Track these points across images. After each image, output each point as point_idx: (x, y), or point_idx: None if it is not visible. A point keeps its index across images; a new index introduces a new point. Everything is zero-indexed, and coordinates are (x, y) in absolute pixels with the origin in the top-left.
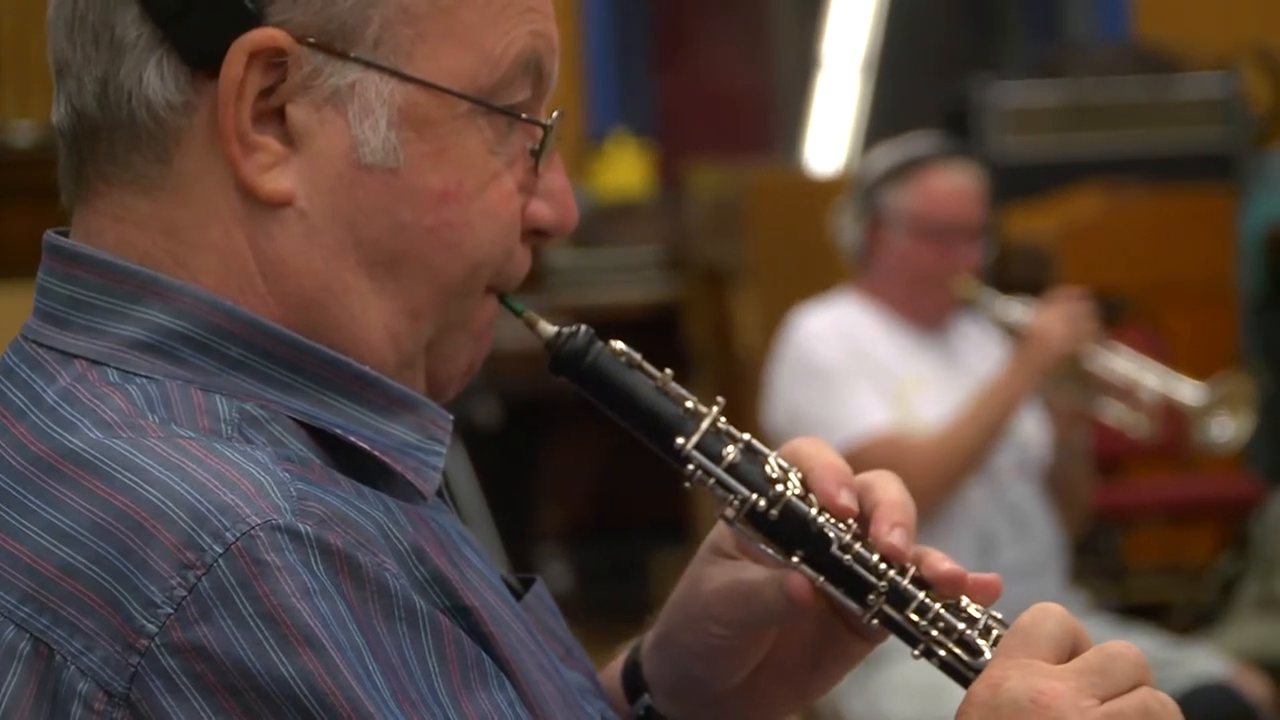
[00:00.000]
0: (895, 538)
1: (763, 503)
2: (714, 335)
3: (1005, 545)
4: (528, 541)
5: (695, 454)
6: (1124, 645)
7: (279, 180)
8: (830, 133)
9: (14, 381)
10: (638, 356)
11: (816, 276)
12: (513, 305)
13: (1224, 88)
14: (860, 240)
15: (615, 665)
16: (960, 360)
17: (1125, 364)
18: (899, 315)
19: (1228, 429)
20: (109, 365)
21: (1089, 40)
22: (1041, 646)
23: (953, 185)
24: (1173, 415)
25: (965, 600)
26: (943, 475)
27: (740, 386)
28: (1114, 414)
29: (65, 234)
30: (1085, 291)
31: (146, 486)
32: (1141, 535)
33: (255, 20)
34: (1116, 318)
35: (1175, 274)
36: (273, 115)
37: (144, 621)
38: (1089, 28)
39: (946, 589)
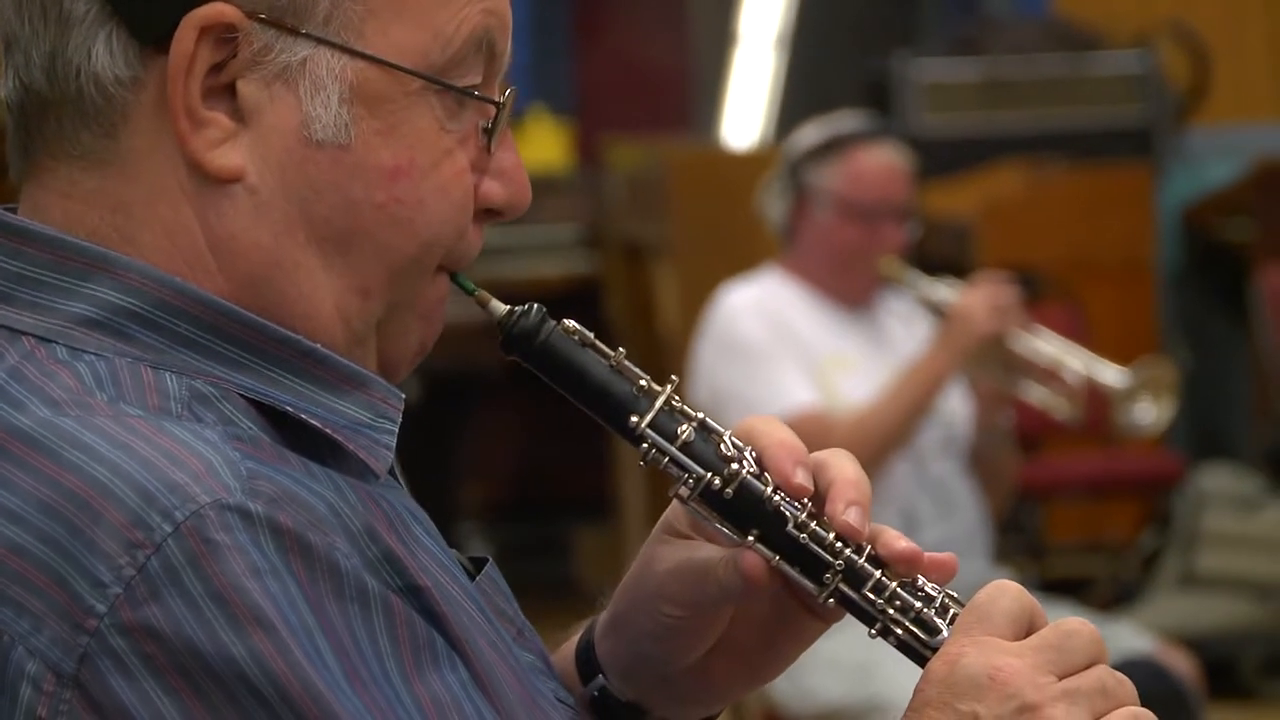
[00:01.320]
0: (851, 516)
1: (717, 481)
2: (634, 312)
3: (929, 523)
4: (449, 519)
5: (649, 433)
6: (1079, 622)
7: (228, 156)
8: (748, 108)
9: None
10: (590, 335)
11: (736, 253)
12: (464, 284)
13: (1142, 65)
14: (786, 218)
15: (568, 646)
16: (885, 339)
17: (1049, 346)
18: (824, 293)
19: (1150, 414)
20: (57, 342)
21: (1007, 17)
22: (998, 624)
23: (879, 164)
24: (1094, 394)
25: (921, 579)
26: (866, 453)
27: (661, 363)
28: (1037, 395)
29: (13, 210)
30: (1008, 272)
31: (95, 465)
32: (1062, 511)
33: None
34: (1035, 295)
35: (1094, 251)
36: (222, 91)
37: (92, 601)
38: (1007, 4)
39: (902, 567)
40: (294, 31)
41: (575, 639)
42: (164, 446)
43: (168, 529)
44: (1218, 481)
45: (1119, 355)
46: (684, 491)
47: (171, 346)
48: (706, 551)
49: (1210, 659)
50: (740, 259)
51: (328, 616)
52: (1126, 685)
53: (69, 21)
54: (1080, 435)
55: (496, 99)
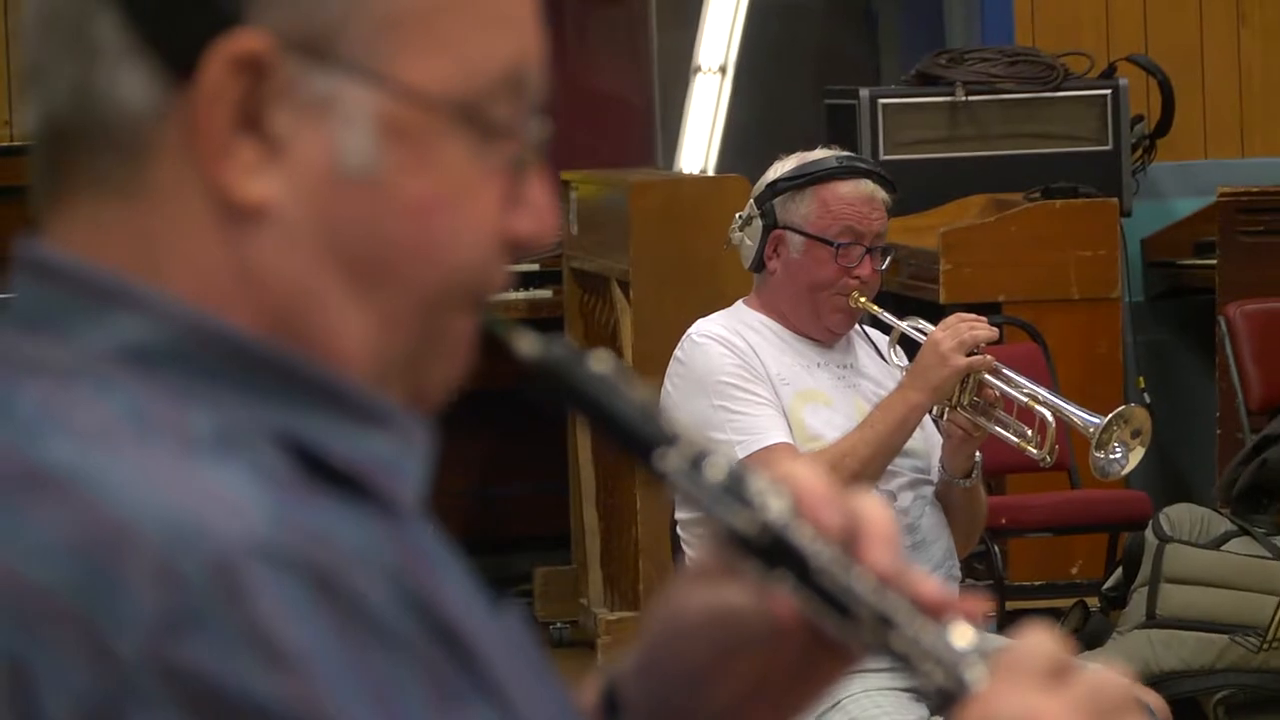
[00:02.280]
0: (883, 560)
1: (750, 523)
2: (595, 342)
3: None
4: None
5: (681, 473)
6: (1112, 672)
7: (256, 187)
8: (709, 141)
9: None
10: (619, 371)
11: (697, 283)
12: (492, 320)
13: (1107, 98)
14: (757, 252)
15: (587, 695)
16: (857, 375)
17: (1022, 385)
18: (795, 328)
19: (1123, 459)
20: (82, 376)
21: (971, 49)
22: (1032, 670)
23: (852, 197)
24: (1059, 430)
25: (951, 622)
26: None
27: None
28: (1008, 434)
29: (37, 241)
30: (970, 304)
31: (123, 503)
32: (1024, 549)
33: (234, 24)
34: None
35: (1058, 284)
36: (250, 122)
37: (120, 642)
38: (971, 36)
39: (933, 611)
40: (323, 62)
41: (593, 686)
42: (192, 484)
43: (197, 569)
44: (1182, 519)
45: (1083, 389)
46: (715, 533)
47: (197, 381)
48: (736, 595)
49: (1176, 697)
50: (701, 290)
51: (359, 658)
52: None
53: (95, 51)
54: (1043, 472)
55: (526, 132)
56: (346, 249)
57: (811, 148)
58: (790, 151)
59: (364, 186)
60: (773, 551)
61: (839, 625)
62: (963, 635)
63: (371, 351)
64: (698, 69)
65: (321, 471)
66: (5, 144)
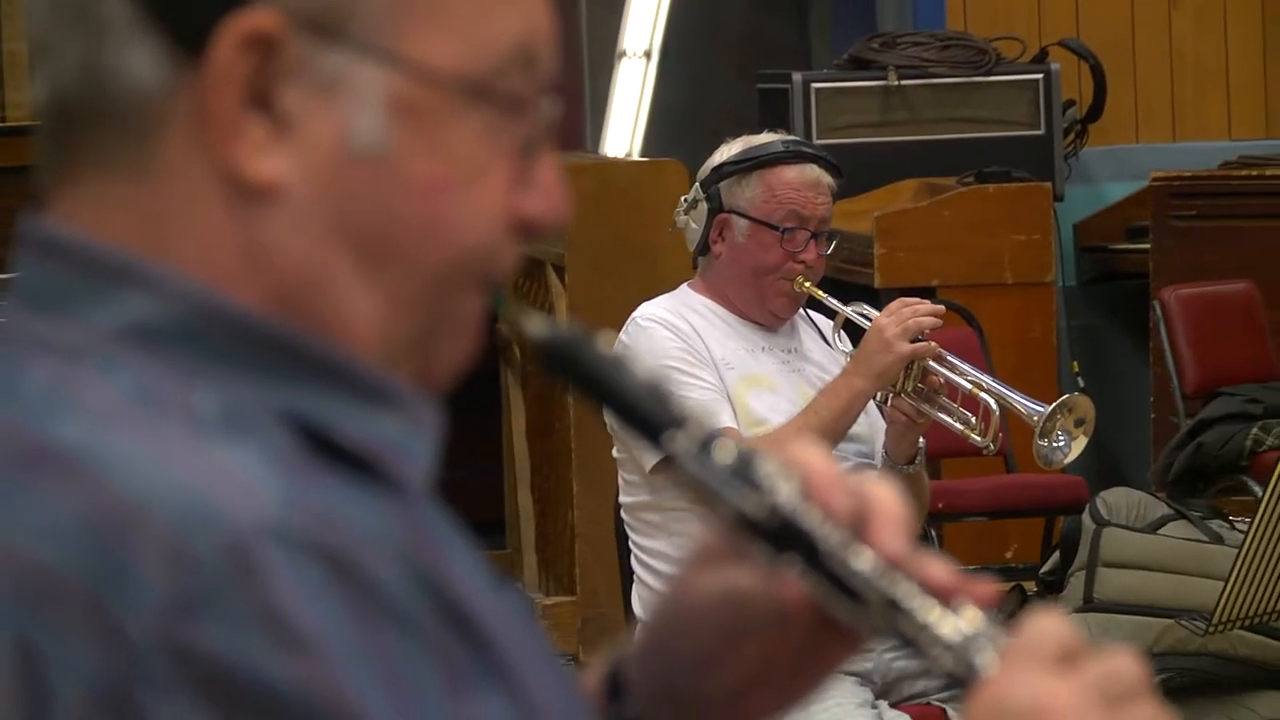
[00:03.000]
0: (892, 544)
1: (758, 506)
2: None
3: None
4: None
5: (689, 455)
6: (1127, 655)
7: (265, 166)
8: (634, 124)
9: None
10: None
11: (634, 268)
12: (501, 301)
13: (1039, 83)
14: (702, 235)
15: (589, 678)
16: (800, 359)
17: (966, 373)
18: (739, 312)
19: (1065, 447)
20: (89, 355)
21: (904, 33)
22: (1043, 654)
23: (798, 182)
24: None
25: (961, 606)
26: None
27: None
28: (952, 421)
29: (43, 219)
30: (905, 289)
31: (134, 483)
32: (961, 533)
33: (244, 2)
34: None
35: (992, 268)
36: (259, 100)
37: (131, 623)
38: (903, 20)
39: (943, 596)
40: (333, 40)
41: (596, 670)
42: (203, 464)
43: (209, 550)
44: (1119, 503)
45: (1017, 373)
46: (724, 517)
47: (204, 360)
48: (743, 578)
49: None
50: (637, 274)
51: (373, 640)
52: None
53: (103, 28)
54: (979, 457)
55: (537, 112)
56: (355, 228)
57: (742, 132)
58: (717, 135)
59: (374, 166)
60: (781, 535)
61: (847, 609)
62: (972, 619)
63: (380, 331)
64: (623, 53)
65: (329, 452)
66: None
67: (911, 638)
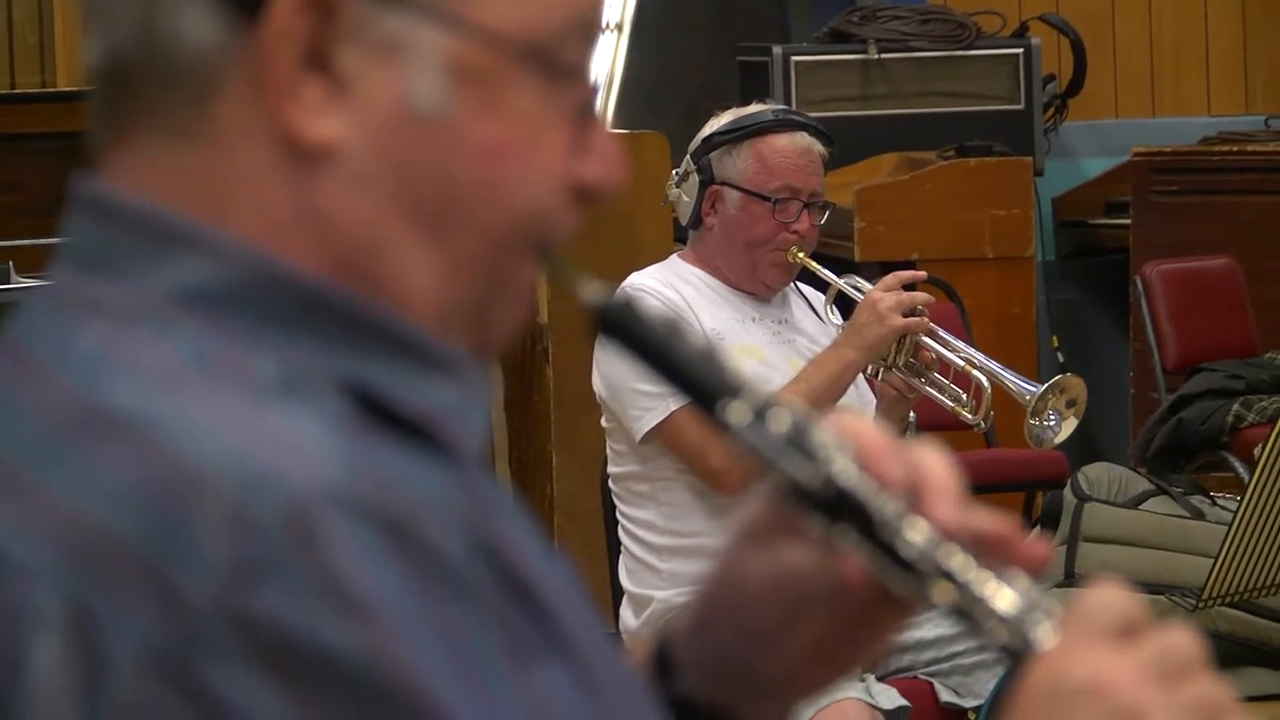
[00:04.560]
0: (947, 514)
1: (814, 476)
2: None
3: None
4: None
5: (746, 425)
6: (1185, 631)
7: (323, 128)
8: (607, 96)
9: (43, 335)
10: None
11: (615, 241)
12: (558, 266)
13: (1019, 57)
14: (694, 208)
15: (637, 654)
16: (791, 330)
17: (958, 349)
18: (731, 284)
19: (1056, 428)
20: (144, 318)
21: (884, 6)
22: (1101, 627)
23: (789, 150)
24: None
25: (1019, 576)
26: None
27: (539, 347)
28: (942, 398)
29: (97, 180)
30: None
31: (194, 448)
32: None
33: None
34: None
35: (972, 242)
36: (318, 61)
37: (191, 589)
38: None
39: (997, 549)
40: (395, 2)
41: (642, 645)
42: (263, 429)
43: (269, 516)
44: (1100, 478)
45: (997, 348)
46: (780, 487)
47: (262, 325)
48: (798, 556)
49: None
50: (618, 247)
51: (434, 609)
52: (1232, 700)
53: None
54: (959, 431)
55: (593, 77)
56: (414, 192)
57: (718, 104)
58: (694, 108)
59: (433, 128)
60: (836, 505)
61: (902, 581)
62: (1029, 591)
63: (437, 296)
64: (605, 25)
65: (387, 419)
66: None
67: (967, 611)
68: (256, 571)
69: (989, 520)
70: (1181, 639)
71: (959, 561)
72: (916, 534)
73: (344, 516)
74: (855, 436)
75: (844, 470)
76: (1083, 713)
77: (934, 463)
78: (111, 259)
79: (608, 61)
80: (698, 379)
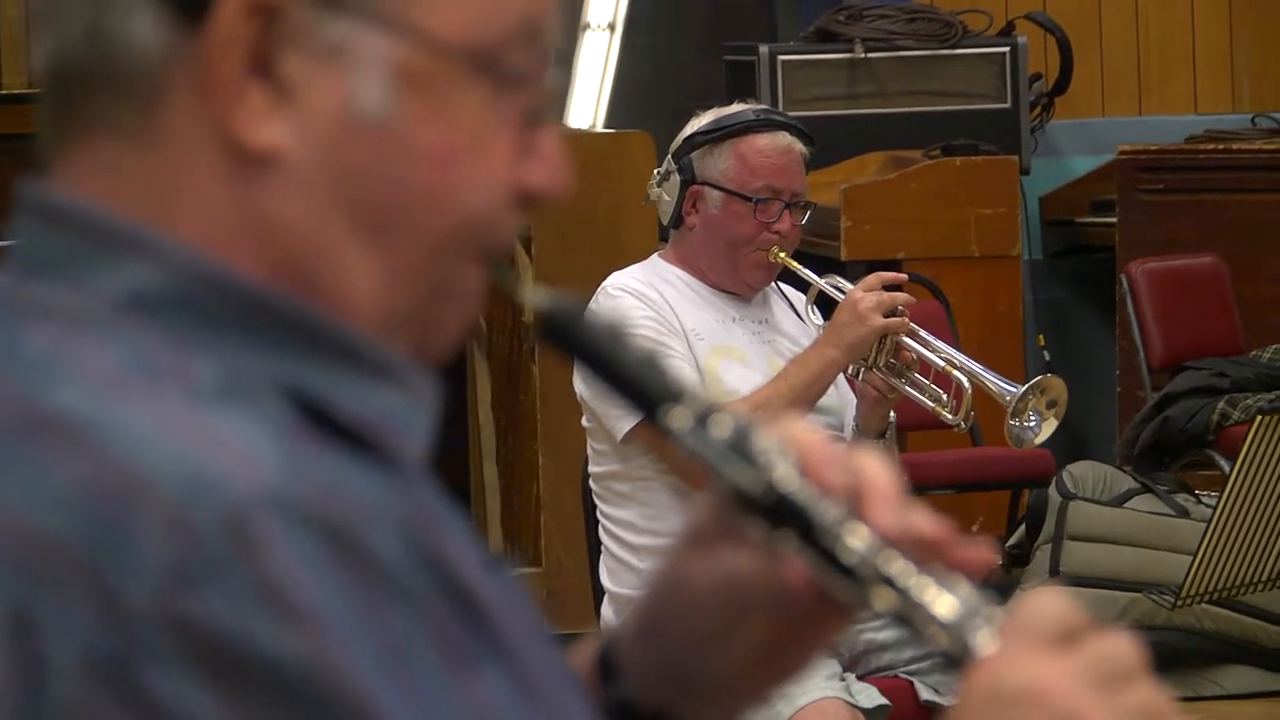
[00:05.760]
0: (887, 520)
1: (755, 482)
2: (495, 299)
3: None
4: None
5: (686, 430)
6: (1123, 639)
7: (267, 133)
8: (597, 96)
9: None
10: (626, 326)
11: (600, 240)
12: (500, 272)
13: (1005, 55)
14: (675, 207)
15: (579, 658)
16: (772, 331)
17: (939, 350)
18: (712, 283)
19: (1037, 429)
20: (89, 323)
21: (870, 5)
22: (1040, 633)
23: (770, 150)
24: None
25: (960, 582)
26: None
27: (524, 351)
28: (923, 398)
29: (44, 184)
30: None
31: (134, 452)
32: (927, 504)
33: None
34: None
35: (958, 241)
36: (263, 67)
37: (130, 592)
38: None
39: (936, 553)
40: (338, 8)
41: (587, 650)
42: (203, 434)
43: (209, 521)
44: (1085, 476)
45: (983, 346)
46: (722, 493)
47: (205, 330)
48: (740, 560)
49: None
50: (604, 246)
51: (372, 614)
52: (1171, 706)
53: None
54: (945, 429)
55: (540, 83)
56: (358, 197)
57: (708, 105)
58: (681, 108)
59: (377, 134)
60: (777, 511)
61: (843, 586)
62: (968, 597)
63: (381, 302)
64: (586, 25)
65: (328, 425)
66: None
67: (906, 616)
68: (195, 576)
69: (929, 524)
70: (1120, 645)
71: (899, 567)
72: (857, 540)
73: (282, 522)
74: (797, 442)
75: (785, 476)
76: (1021, 718)
77: (874, 468)
78: (59, 263)
79: (600, 61)
80: (640, 385)
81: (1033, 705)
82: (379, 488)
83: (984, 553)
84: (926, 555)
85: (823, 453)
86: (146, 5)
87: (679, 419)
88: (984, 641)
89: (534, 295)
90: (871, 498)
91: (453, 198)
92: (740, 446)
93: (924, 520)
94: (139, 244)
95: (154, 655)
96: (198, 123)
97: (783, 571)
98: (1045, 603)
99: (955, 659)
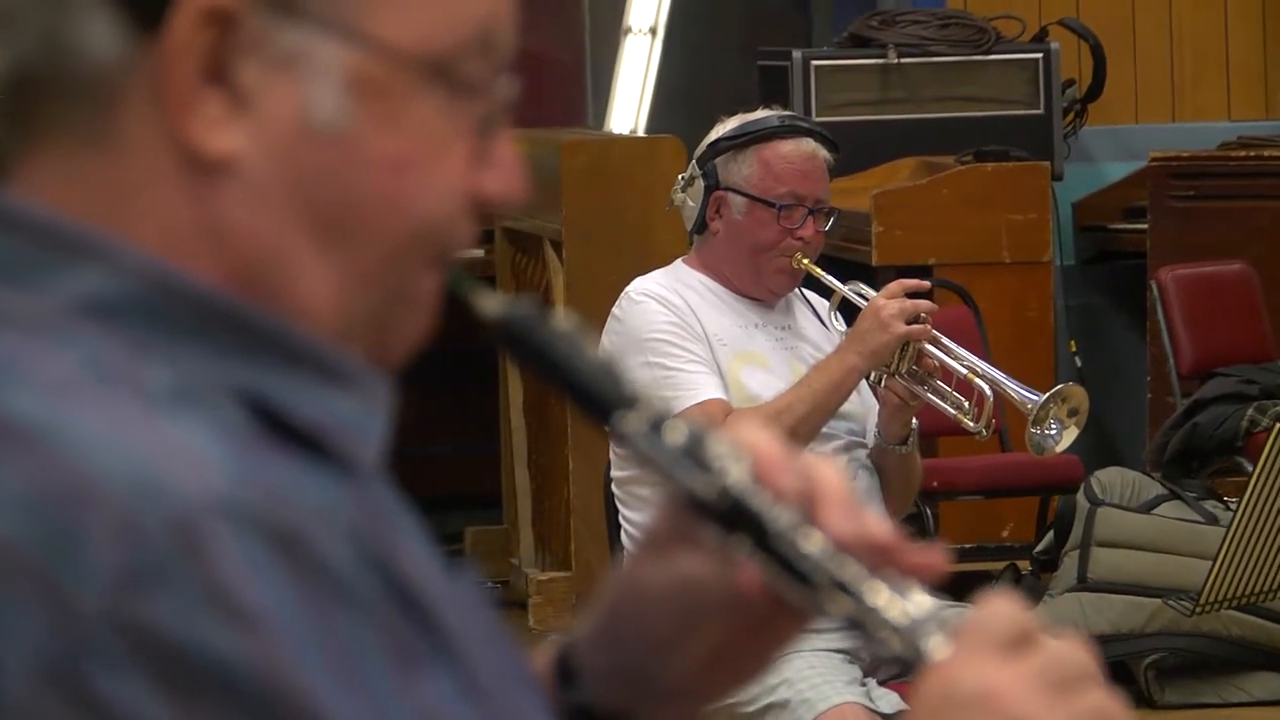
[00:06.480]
0: (840, 525)
1: (709, 487)
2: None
3: None
4: None
5: (640, 435)
6: (1075, 643)
7: (223, 140)
8: (639, 101)
9: None
10: (581, 332)
11: (631, 244)
12: (455, 278)
13: (1039, 61)
14: (699, 213)
15: (538, 661)
16: (794, 337)
17: (961, 357)
18: (735, 288)
19: (1057, 437)
20: (44, 328)
21: (904, 10)
22: (992, 639)
23: (794, 156)
24: (999, 401)
25: (914, 587)
26: None
27: None
28: (944, 405)
29: (2, 191)
30: (903, 267)
31: (85, 457)
32: (955, 511)
33: None
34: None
35: (990, 247)
36: (218, 75)
37: (79, 597)
38: None
39: (887, 558)
40: (294, 16)
41: (545, 654)
42: (154, 439)
43: (158, 525)
44: (1114, 482)
45: (1014, 352)
46: (676, 498)
47: (159, 335)
48: (696, 565)
49: (1106, 661)
50: (634, 250)
51: (320, 618)
52: (1123, 711)
53: (65, 0)
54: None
55: (495, 90)
56: (313, 204)
57: (743, 109)
58: (720, 112)
59: (332, 142)
60: (731, 516)
61: (796, 591)
62: (921, 602)
63: (336, 307)
64: (628, 30)
65: (283, 430)
66: None
67: (859, 620)
68: (145, 580)
69: (882, 530)
70: (1072, 650)
71: (852, 572)
72: (810, 545)
73: (231, 526)
74: (751, 448)
75: (739, 481)
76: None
77: (828, 473)
78: (15, 269)
79: (641, 66)
80: (595, 390)
81: (985, 709)
82: (330, 492)
83: (936, 558)
84: (880, 560)
85: (777, 458)
86: (103, 12)
87: (633, 424)
88: (937, 646)
89: (489, 302)
90: (825, 503)
91: (407, 204)
92: (694, 452)
93: (877, 525)
94: (95, 250)
95: (103, 658)
96: (154, 130)
97: (737, 576)
98: (998, 608)
99: (909, 663)
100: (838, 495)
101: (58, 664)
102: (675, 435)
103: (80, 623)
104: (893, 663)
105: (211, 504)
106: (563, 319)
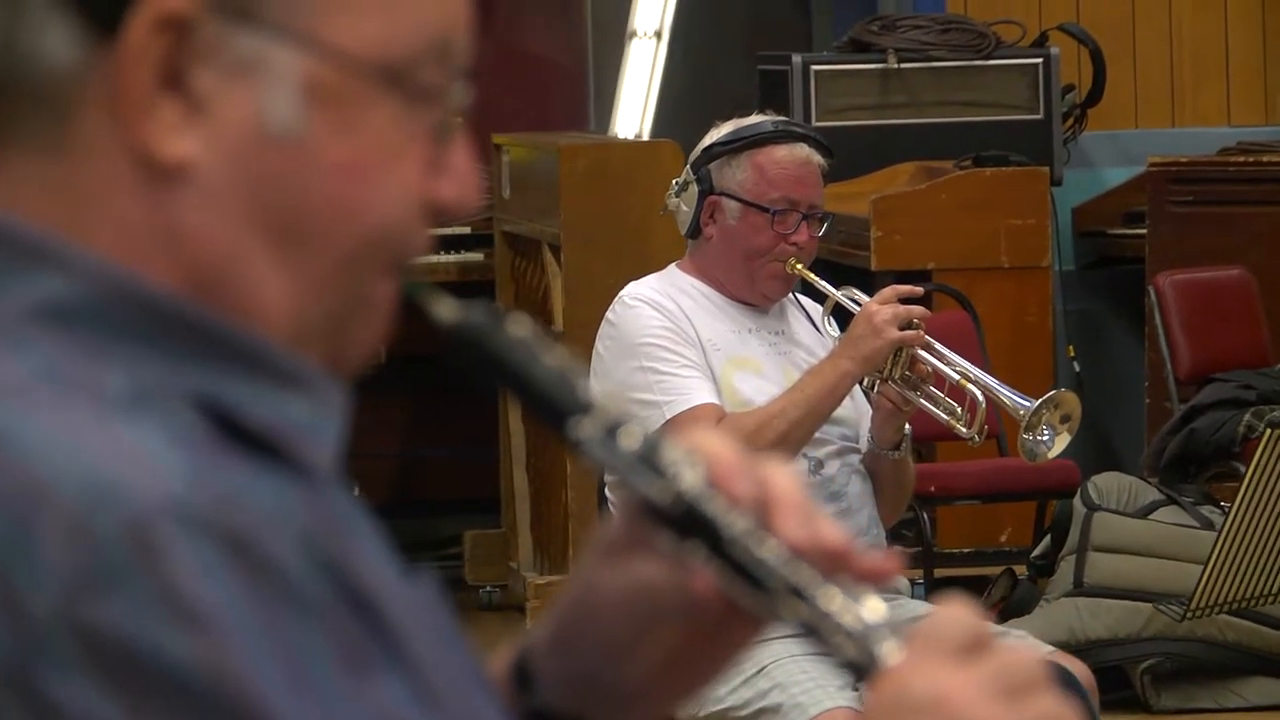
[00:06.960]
0: (794, 530)
1: (663, 493)
2: (526, 306)
3: None
4: None
5: (595, 441)
6: (1028, 650)
7: (178, 146)
8: (642, 105)
9: None
10: (537, 337)
11: (629, 248)
12: (411, 284)
13: (1038, 66)
14: (693, 218)
15: (495, 666)
16: (788, 342)
17: (954, 363)
18: (729, 293)
19: (1050, 443)
20: (2, 334)
21: (904, 16)
22: (946, 644)
23: (788, 162)
24: (992, 406)
25: (868, 594)
26: (763, 452)
27: None
28: (937, 411)
29: None
30: (900, 272)
31: (38, 460)
32: (952, 516)
33: None
34: (928, 296)
35: (989, 252)
36: (173, 81)
37: (31, 599)
38: (903, 3)
39: (841, 564)
40: (249, 23)
41: (504, 658)
42: (108, 442)
43: (111, 529)
44: (1110, 487)
45: (1012, 357)
46: (631, 504)
47: (115, 340)
48: (651, 570)
49: (1102, 665)
50: (633, 254)
51: (271, 622)
52: (1074, 718)
53: (20, 6)
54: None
55: (451, 98)
56: (269, 210)
57: (745, 113)
58: (722, 117)
59: (288, 148)
60: (686, 522)
61: (750, 596)
62: (875, 608)
63: (292, 313)
64: (633, 34)
65: (238, 434)
66: None
67: (814, 626)
68: (96, 582)
69: (836, 535)
70: (1024, 657)
71: (806, 577)
72: (765, 550)
73: (183, 530)
74: (706, 454)
75: (693, 487)
76: None
77: (783, 479)
78: None
79: (646, 69)
80: (550, 395)
81: (937, 714)
82: (284, 496)
83: (889, 563)
84: (834, 566)
85: (732, 464)
86: (59, 18)
87: (587, 430)
88: (890, 651)
89: (443, 308)
90: (779, 509)
91: (362, 210)
92: (649, 457)
93: (831, 531)
94: (50, 255)
95: (56, 661)
96: (110, 135)
97: (691, 581)
98: (951, 614)
99: (861, 668)
100: (792, 501)
101: (10, 666)
102: (630, 441)
103: (32, 625)
104: (847, 668)
105: (164, 507)
106: (518, 324)
